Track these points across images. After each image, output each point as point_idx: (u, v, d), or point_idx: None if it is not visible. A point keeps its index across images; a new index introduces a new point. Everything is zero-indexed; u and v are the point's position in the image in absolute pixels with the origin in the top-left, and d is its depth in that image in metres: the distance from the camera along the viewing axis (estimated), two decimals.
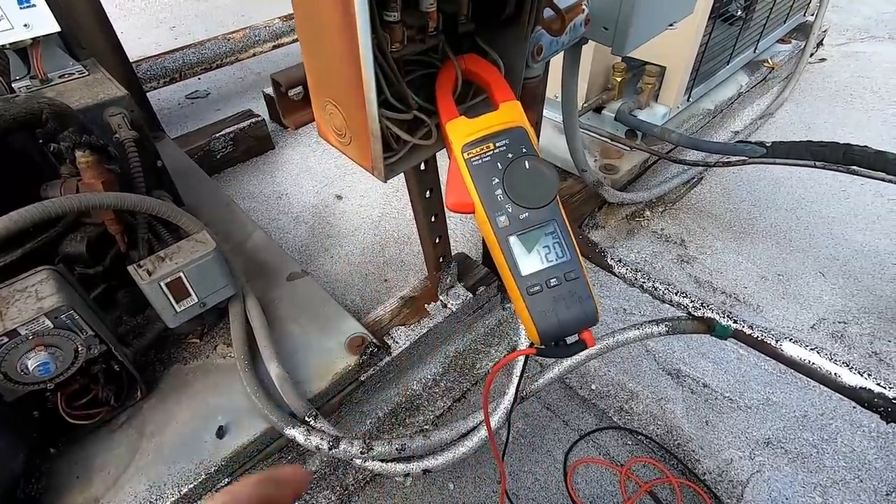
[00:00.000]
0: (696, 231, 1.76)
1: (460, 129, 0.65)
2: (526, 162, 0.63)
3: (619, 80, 1.83)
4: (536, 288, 0.60)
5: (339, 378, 1.14)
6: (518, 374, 1.02)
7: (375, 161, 0.62)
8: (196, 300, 1.12)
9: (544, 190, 0.62)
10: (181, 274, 1.06)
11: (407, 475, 1.02)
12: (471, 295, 1.37)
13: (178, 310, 1.10)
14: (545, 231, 0.62)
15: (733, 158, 1.55)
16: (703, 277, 1.58)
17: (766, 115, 2.28)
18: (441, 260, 1.29)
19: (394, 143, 0.66)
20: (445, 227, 1.23)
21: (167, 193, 1.36)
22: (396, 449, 1.01)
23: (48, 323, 0.90)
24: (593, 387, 1.31)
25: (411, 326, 1.30)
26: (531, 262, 0.61)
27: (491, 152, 0.63)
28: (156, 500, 0.94)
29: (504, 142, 0.64)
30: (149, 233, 1.26)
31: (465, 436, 1.05)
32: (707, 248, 1.69)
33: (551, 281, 0.60)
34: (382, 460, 1.02)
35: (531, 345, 0.63)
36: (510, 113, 0.65)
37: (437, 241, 1.23)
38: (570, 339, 0.62)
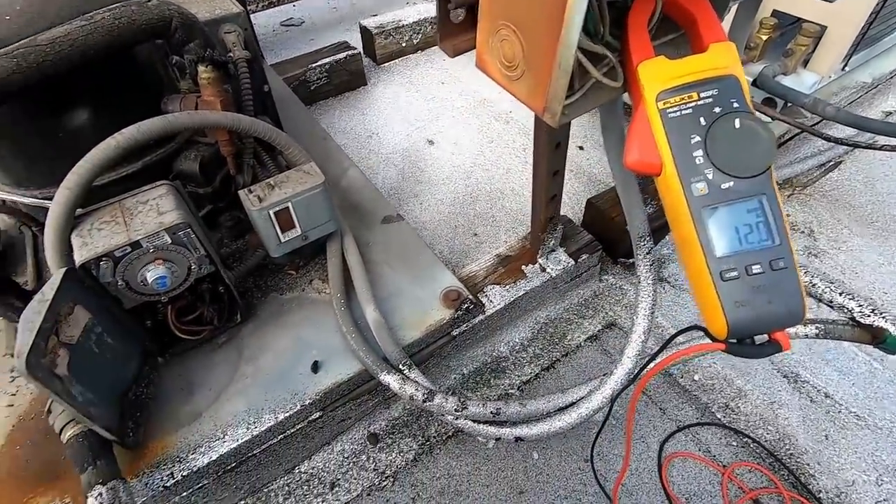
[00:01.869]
0: (829, 222, 1.55)
1: (658, 73, 0.54)
2: (737, 120, 0.51)
3: (763, 38, 1.59)
4: (733, 274, 0.50)
5: (432, 330, 1.11)
6: (635, 354, 0.94)
7: (552, 101, 0.53)
8: (300, 232, 1.10)
9: (756, 156, 0.51)
10: (289, 205, 1.04)
11: (498, 439, 0.98)
12: (572, 262, 1.28)
13: (282, 240, 1.08)
14: (751, 206, 0.51)
15: None
16: (833, 275, 1.40)
17: None
18: (549, 221, 1.20)
19: (576, 82, 0.56)
20: (562, 186, 1.13)
21: (270, 120, 1.33)
22: (491, 412, 0.97)
23: (167, 238, 0.91)
24: (696, 377, 1.21)
25: (507, 287, 1.24)
26: (729, 241, 0.51)
27: (693, 103, 0.52)
28: (254, 422, 0.96)
29: (711, 92, 0.53)
30: (253, 158, 1.25)
31: (563, 410, 0.99)
32: (841, 243, 1.49)
33: (753, 268, 0.50)
34: (475, 420, 0.99)
35: (717, 339, 0.53)
36: (722, 57, 0.54)
37: (551, 199, 1.13)
38: (759, 339, 0.52)
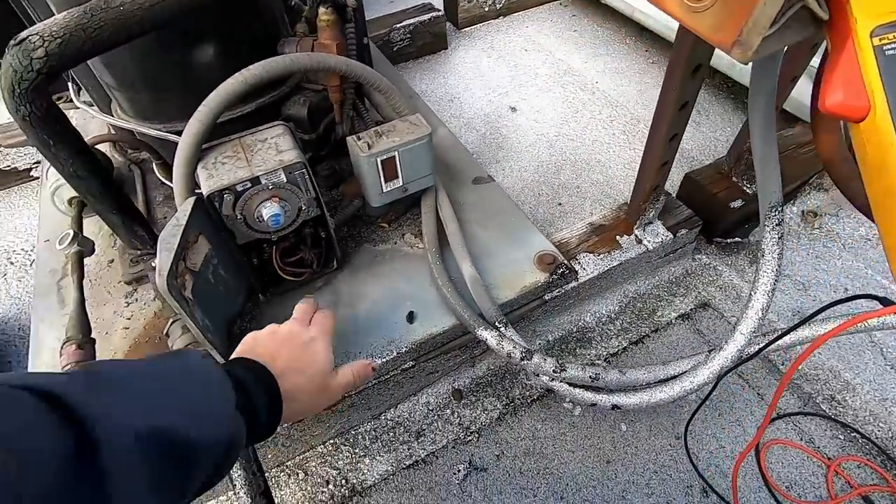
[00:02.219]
0: None
1: (874, 4, 0.48)
2: None
3: None
4: None
5: (526, 292, 1.09)
6: (749, 331, 0.89)
7: (750, 32, 0.49)
8: (401, 184, 1.10)
9: None
10: (396, 153, 1.03)
11: (593, 405, 0.97)
12: (670, 236, 1.23)
13: (384, 190, 1.08)
14: None
15: None
16: None
17: None
18: (653, 190, 1.14)
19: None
20: (675, 154, 1.07)
21: None
22: (590, 377, 0.95)
23: (283, 177, 0.92)
24: (799, 366, 1.14)
25: (600, 255, 1.20)
26: None
27: None
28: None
29: None
30: (352, 109, 1.25)
31: (664, 382, 0.96)
32: None
33: None
34: (571, 384, 0.97)
35: None
36: None
37: (661, 166, 1.08)
38: None
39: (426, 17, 2.08)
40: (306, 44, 1.04)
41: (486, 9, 2.31)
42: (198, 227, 0.87)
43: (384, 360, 0.99)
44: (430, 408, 1.12)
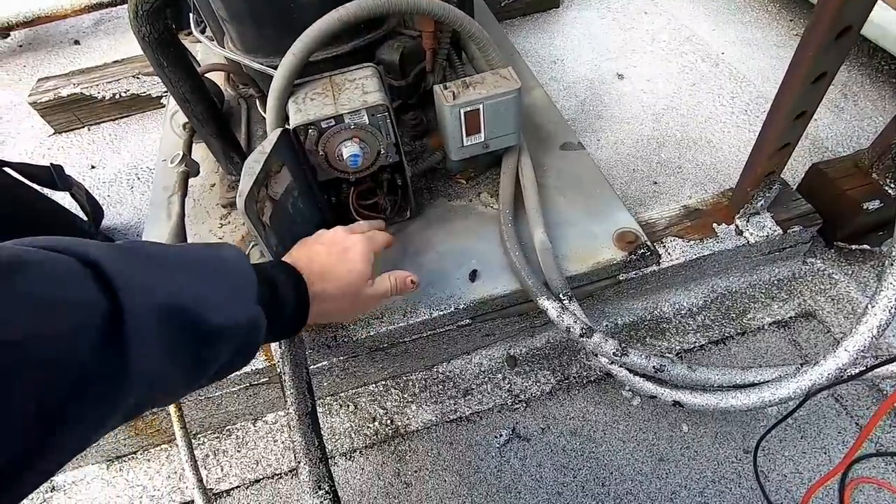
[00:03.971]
0: None
1: None
2: None
3: None
4: None
5: (599, 268, 1.02)
6: (855, 349, 0.76)
7: None
8: (482, 139, 1.06)
9: None
10: (481, 106, 1.00)
11: (653, 397, 0.90)
12: (779, 231, 1.08)
13: (465, 143, 1.06)
14: None
15: None
16: None
17: None
18: (766, 176, 1.00)
19: None
20: (800, 136, 0.93)
21: None
22: (654, 367, 0.88)
23: (366, 118, 0.93)
24: None
25: (690, 242, 1.09)
26: None
27: None
28: (410, 311, 0.99)
29: None
30: (445, 60, 1.22)
31: (740, 388, 0.86)
32: None
33: None
34: (631, 370, 0.91)
35: None
36: None
37: (781, 148, 0.94)
38: None
39: None
40: None
41: None
42: (282, 157, 0.91)
43: (441, 313, 0.99)
44: (482, 369, 1.11)
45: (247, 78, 1.17)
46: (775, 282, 1.17)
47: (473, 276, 1.03)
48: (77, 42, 2.38)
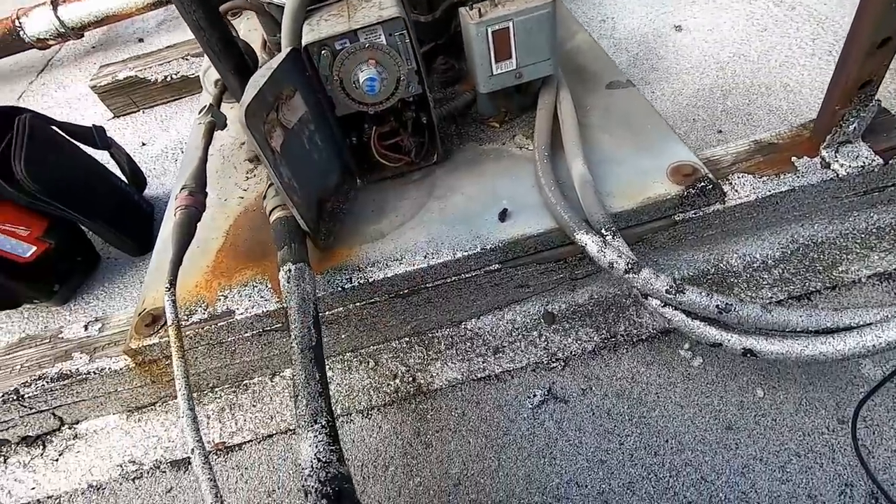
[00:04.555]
0: None
1: None
2: None
3: None
4: None
5: (650, 204, 0.88)
6: None
7: None
8: (514, 66, 0.96)
9: None
10: (511, 23, 0.90)
11: (718, 345, 0.74)
12: (879, 161, 0.89)
13: (495, 72, 0.96)
14: None
15: None
16: None
17: None
18: (859, 90, 0.83)
19: None
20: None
21: None
22: (717, 307, 0.72)
23: (383, 37, 0.86)
24: None
25: (763, 178, 0.92)
26: None
27: None
28: (432, 252, 0.90)
29: None
30: None
31: (830, 333, 0.69)
32: None
33: None
34: (689, 313, 0.76)
35: None
36: None
37: (879, 46, 0.76)
38: None
39: None
40: None
41: None
42: (293, 80, 0.85)
43: (466, 253, 0.89)
44: (515, 326, 0.99)
45: (272, 21, 1.14)
46: (875, 228, 0.97)
47: (503, 215, 0.92)
48: (141, 40, 2.53)
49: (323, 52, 0.85)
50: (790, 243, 0.98)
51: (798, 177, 0.91)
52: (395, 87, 0.92)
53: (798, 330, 0.71)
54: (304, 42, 0.84)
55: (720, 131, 1.25)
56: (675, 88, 1.40)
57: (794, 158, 0.94)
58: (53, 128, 1.22)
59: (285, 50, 0.83)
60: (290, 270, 0.82)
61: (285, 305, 0.80)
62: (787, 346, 0.70)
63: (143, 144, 1.81)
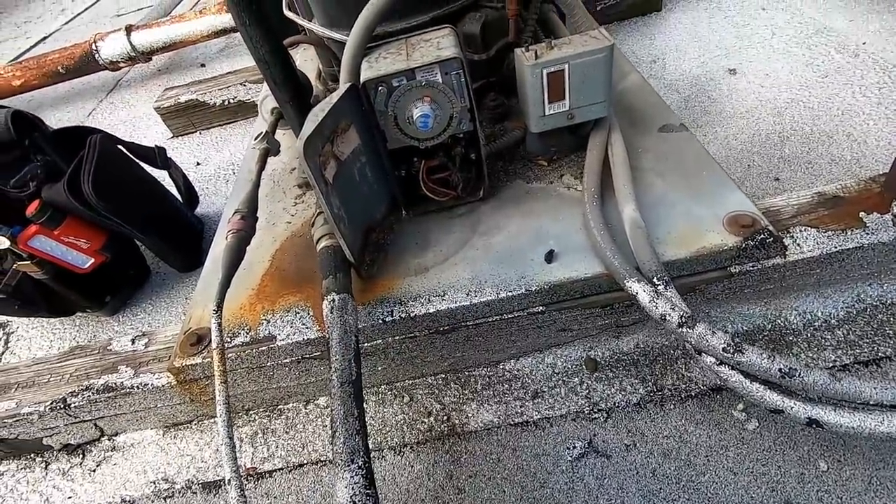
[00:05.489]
0: None
1: None
2: None
3: None
4: None
5: (705, 254, 0.85)
6: None
7: None
8: (567, 107, 0.96)
9: None
10: (566, 66, 0.90)
11: (779, 412, 0.69)
12: None
13: (547, 112, 0.96)
14: None
15: None
16: None
17: None
18: None
19: None
20: None
21: None
22: (779, 370, 0.68)
23: (439, 76, 0.87)
24: None
25: (828, 233, 0.87)
26: None
27: None
28: (475, 290, 0.89)
29: None
30: (532, 37, 1.15)
31: None
32: None
33: None
34: (747, 375, 0.71)
35: None
36: None
37: None
38: None
39: None
40: None
41: None
42: (349, 114, 0.88)
43: (510, 294, 0.87)
44: (556, 370, 0.96)
45: (327, 51, 1.19)
46: None
47: (550, 256, 0.91)
48: (203, 65, 2.68)
49: (380, 88, 0.87)
50: (856, 302, 0.92)
51: (867, 233, 0.86)
52: (448, 124, 0.93)
53: (871, 403, 0.66)
54: (362, 78, 0.86)
55: (777, 179, 1.21)
56: (729, 133, 1.36)
57: (862, 214, 0.89)
58: (120, 147, 1.28)
59: (344, 85, 0.85)
60: (333, 301, 0.83)
61: (327, 336, 0.80)
62: (859, 420, 0.64)
63: (198, 164, 1.89)
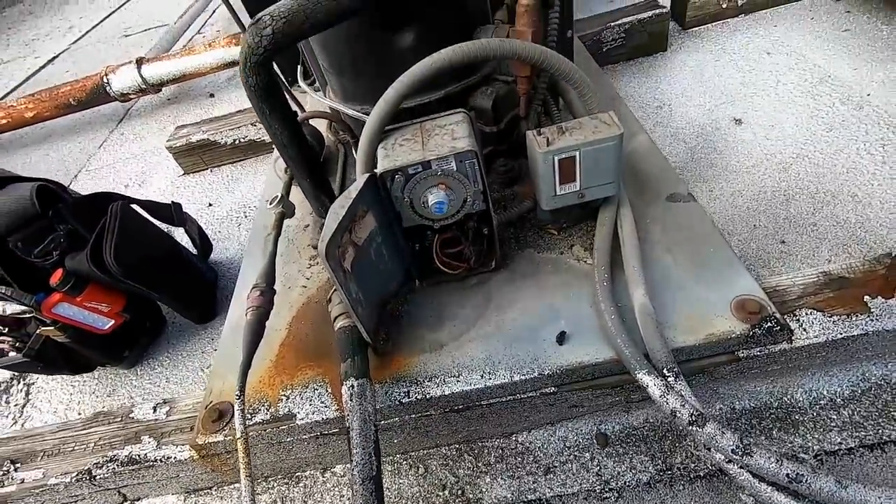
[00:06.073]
0: None
1: None
2: None
3: None
4: None
5: (713, 341, 0.87)
6: None
7: None
8: (577, 188, 0.98)
9: None
10: (578, 153, 0.92)
11: None
12: None
13: (558, 192, 0.99)
14: None
15: None
16: None
17: None
18: None
19: None
20: None
21: None
22: (787, 475, 0.70)
23: (453, 165, 0.90)
24: None
25: (834, 317, 0.90)
26: None
27: None
28: (489, 372, 0.91)
29: None
30: (541, 106, 1.17)
31: None
32: None
33: None
34: (756, 475, 0.74)
35: None
36: None
37: None
38: None
39: (647, 14, 1.88)
40: (502, 31, 1.00)
41: (725, 5, 1.98)
42: (367, 203, 0.90)
43: (523, 377, 0.90)
44: (567, 444, 0.99)
45: (344, 125, 1.21)
46: None
47: (562, 338, 0.93)
48: (212, 95, 2.71)
49: (397, 177, 0.90)
50: (861, 381, 0.95)
51: (872, 320, 0.88)
52: (461, 206, 0.95)
53: None
54: (379, 169, 0.89)
55: (783, 242, 1.23)
56: (735, 189, 1.38)
57: (867, 297, 0.91)
58: (136, 208, 1.31)
59: (362, 178, 0.88)
60: (352, 387, 0.85)
61: (347, 425, 0.82)
62: None
63: (210, 205, 1.92)
